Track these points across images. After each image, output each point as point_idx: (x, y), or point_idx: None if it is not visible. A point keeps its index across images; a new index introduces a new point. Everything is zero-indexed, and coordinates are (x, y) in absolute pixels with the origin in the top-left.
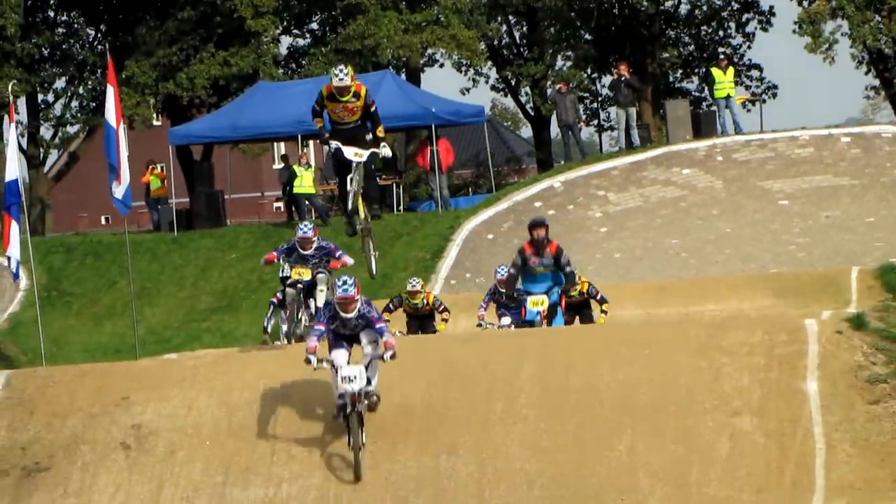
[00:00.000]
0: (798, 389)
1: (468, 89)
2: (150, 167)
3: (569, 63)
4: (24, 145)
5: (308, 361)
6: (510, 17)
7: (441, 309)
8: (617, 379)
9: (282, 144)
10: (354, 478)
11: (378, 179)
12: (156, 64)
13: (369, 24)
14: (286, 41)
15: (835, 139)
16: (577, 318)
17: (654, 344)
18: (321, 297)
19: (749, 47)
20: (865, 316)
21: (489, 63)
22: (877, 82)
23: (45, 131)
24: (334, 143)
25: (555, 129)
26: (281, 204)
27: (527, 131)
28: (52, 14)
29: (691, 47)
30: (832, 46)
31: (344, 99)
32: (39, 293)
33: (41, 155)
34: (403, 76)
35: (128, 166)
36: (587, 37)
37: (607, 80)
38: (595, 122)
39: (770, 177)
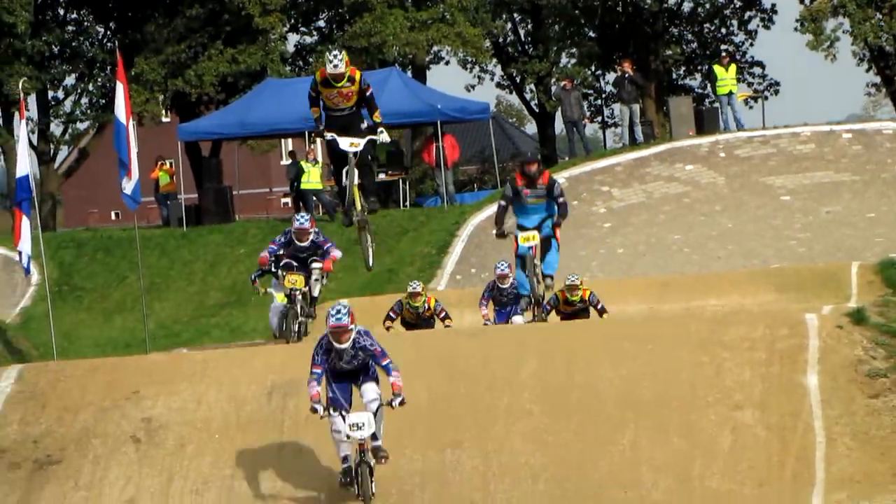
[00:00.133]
0: (799, 384)
1: (473, 86)
2: (160, 163)
3: (573, 60)
4: (35, 142)
5: (314, 410)
6: (515, 15)
7: (443, 316)
8: (619, 374)
9: (289, 141)
10: None
11: (385, 175)
12: (165, 61)
13: (375, 22)
14: (293, 39)
15: (836, 136)
16: None
17: (656, 339)
18: (316, 288)
19: (751, 45)
20: (865, 311)
21: (494, 60)
22: (878, 79)
23: (56, 128)
24: (329, 135)
25: (559, 126)
26: (289, 200)
27: (531, 128)
28: (61, 12)
29: (694, 45)
30: (833, 44)
31: (339, 84)
32: (51, 288)
33: (52, 151)
34: (409, 73)
35: (137, 163)
36: (591, 34)
37: (611, 77)
38: (599, 118)
39: (772, 173)
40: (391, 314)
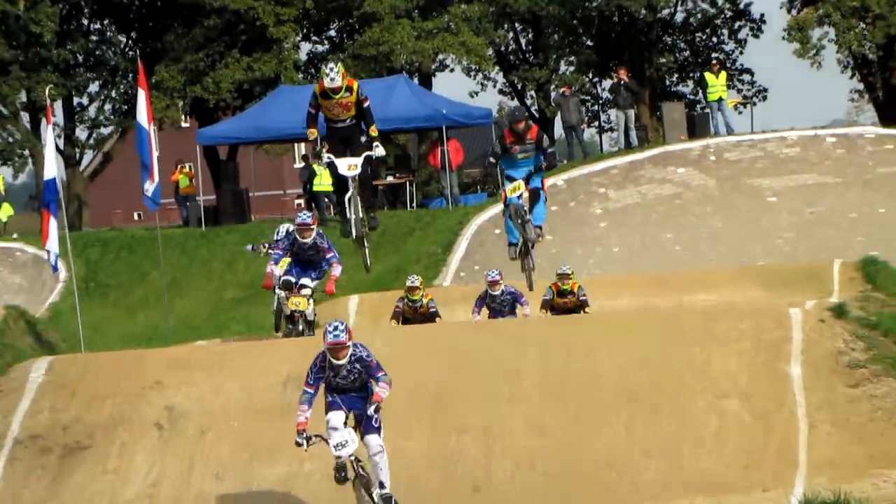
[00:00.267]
0: (783, 373)
1: (477, 93)
2: (179, 166)
3: (571, 68)
4: (61, 146)
5: (298, 444)
6: (516, 25)
7: (433, 314)
8: (615, 363)
9: (302, 145)
10: None
11: (392, 177)
12: (184, 69)
13: (384, 32)
14: (306, 47)
15: (820, 140)
16: None
17: (650, 331)
18: (310, 313)
19: (741, 53)
20: (847, 305)
21: (496, 68)
22: (861, 86)
23: (81, 133)
24: (327, 157)
25: (558, 130)
26: (302, 201)
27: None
28: (86, 22)
29: (686, 53)
30: (819, 52)
31: (337, 96)
32: (77, 284)
33: (77, 155)
34: (416, 80)
35: (158, 166)
36: (589, 43)
37: (607, 83)
38: (596, 123)
39: (760, 175)
40: (396, 311)
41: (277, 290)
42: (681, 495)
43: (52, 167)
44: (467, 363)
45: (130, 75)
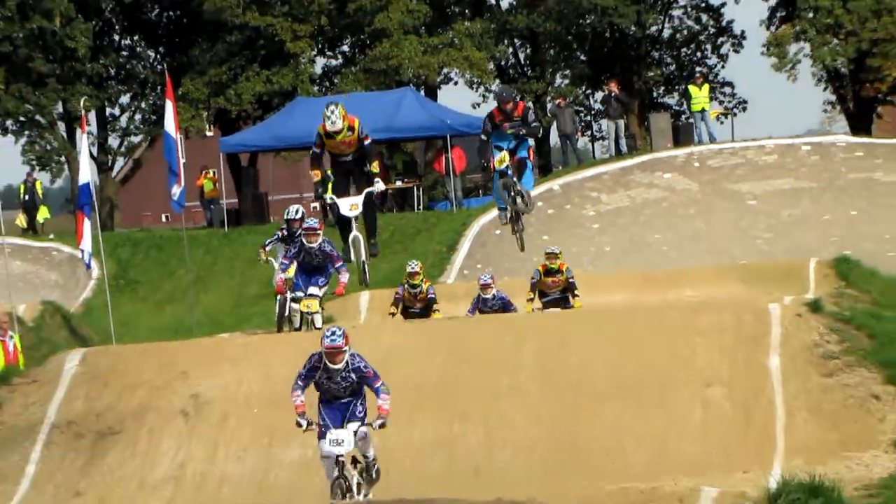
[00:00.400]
0: (762, 364)
1: (479, 104)
2: (204, 172)
3: (566, 81)
4: (95, 153)
5: (299, 424)
6: (515, 41)
7: (432, 299)
8: (606, 356)
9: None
10: None
11: (401, 182)
12: (208, 82)
13: (393, 47)
14: (321, 62)
15: (796, 147)
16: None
17: (638, 326)
18: (318, 319)
19: (723, 67)
20: (822, 301)
21: (497, 80)
22: (833, 98)
23: (113, 141)
24: (329, 198)
25: (554, 139)
26: (317, 204)
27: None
28: (117, 38)
29: (672, 67)
30: (795, 66)
31: (339, 136)
32: (109, 281)
33: (109, 161)
34: (423, 92)
35: (184, 171)
36: (582, 58)
37: (599, 95)
38: (589, 132)
39: (740, 180)
40: (396, 297)
41: (289, 294)
42: (666, 477)
43: (87, 173)
44: (469, 357)
45: (159, 87)
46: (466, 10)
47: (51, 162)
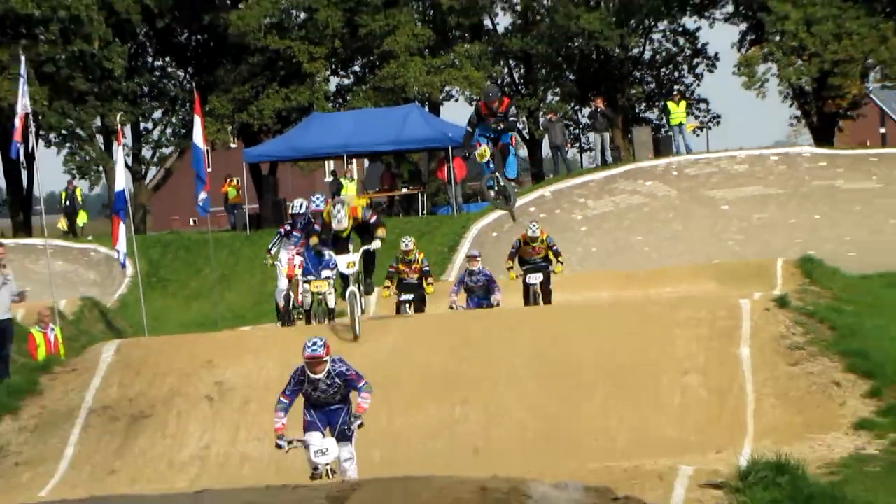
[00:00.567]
0: (734, 355)
1: None
2: (228, 180)
3: (557, 98)
4: (130, 163)
5: (279, 447)
6: (510, 62)
7: (427, 271)
8: (594, 347)
9: (331, 162)
10: None
11: (407, 189)
12: (232, 99)
13: (400, 68)
14: (334, 81)
15: (765, 158)
16: (542, 280)
17: (623, 320)
18: (331, 300)
19: (698, 85)
20: (788, 297)
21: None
22: (799, 113)
23: (146, 152)
24: (327, 253)
25: (546, 150)
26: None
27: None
28: (150, 59)
29: (653, 85)
30: (764, 84)
31: (343, 233)
32: (142, 279)
33: (143, 170)
34: (426, 108)
35: (210, 179)
36: (571, 77)
37: (587, 111)
38: (577, 144)
39: (714, 187)
40: (390, 272)
41: (300, 276)
42: (647, 457)
43: (122, 181)
44: (470, 346)
45: (188, 104)
46: (466, 34)
47: (89, 171)
